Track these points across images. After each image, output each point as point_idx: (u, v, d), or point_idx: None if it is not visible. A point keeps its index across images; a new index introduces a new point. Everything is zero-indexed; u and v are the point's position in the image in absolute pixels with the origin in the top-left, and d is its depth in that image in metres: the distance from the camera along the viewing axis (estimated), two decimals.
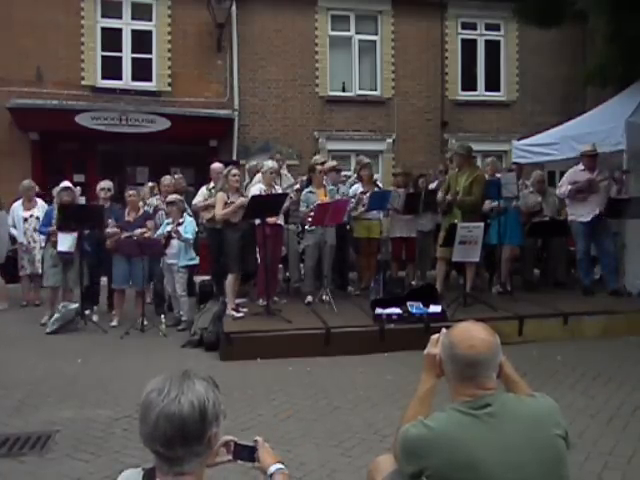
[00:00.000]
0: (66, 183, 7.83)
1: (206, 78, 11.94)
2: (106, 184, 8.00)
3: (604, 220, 7.88)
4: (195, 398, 1.46)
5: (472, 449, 1.79)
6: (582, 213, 7.88)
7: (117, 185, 8.69)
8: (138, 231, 7.42)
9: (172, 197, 7.58)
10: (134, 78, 11.73)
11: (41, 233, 7.91)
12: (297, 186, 8.10)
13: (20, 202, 8.67)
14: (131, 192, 7.79)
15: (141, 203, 8.14)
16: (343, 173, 9.59)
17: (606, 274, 8.14)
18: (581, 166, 7.96)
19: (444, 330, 2.09)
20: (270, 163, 7.59)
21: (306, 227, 7.69)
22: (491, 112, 13.24)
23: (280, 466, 1.85)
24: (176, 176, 8.93)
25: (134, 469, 1.62)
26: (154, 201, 8.30)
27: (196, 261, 7.62)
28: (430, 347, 2.14)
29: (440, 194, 7.64)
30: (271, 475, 1.84)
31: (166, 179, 8.41)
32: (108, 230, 7.47)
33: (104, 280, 8.03)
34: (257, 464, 1.87)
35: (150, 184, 8.93)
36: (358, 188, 8.46)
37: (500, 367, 2.01)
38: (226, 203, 6.93)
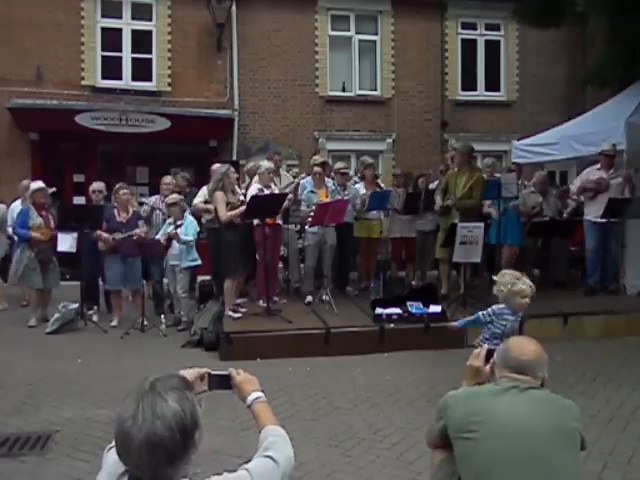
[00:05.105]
0: (39, 183, 7.81)
1: (206, 78, 11.93)
2: (97, 186, 7.97)
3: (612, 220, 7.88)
4: (172, 418, 1.37)
5: (489, 407, 2.01)
6: (592, 212, 7.91)
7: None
8: (132, 232, 7.34)
9: (173, 198, 7.54)
10: (134, 78, 11.71)
11: (16, 234, 7.78)
12: (300, 179, 8.11)
13: (19, 202, 8.65)
14: (122, 191, 7.61)
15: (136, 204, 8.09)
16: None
17: (606, 274, 8.13)
18: (598, 165, 7.98)
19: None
20: (267, 164, 7.58)
21: (306, 227, 7.68)
22: (491, 112, 13.21)
23: (258, 394, 1.87)
24: (179, 175, 8.80)
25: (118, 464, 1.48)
26: (152, 200, 8.27)
27: (199, 262, 7.54)
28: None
29: (438, 199, 7.66)
30: (249, 406, 1.86)
31: (166, 178, 8.36)
32: (101, 233, 7.35)
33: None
34: (235, 390, 1.89)
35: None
36: (360, 188, 8.45)
37: (542, 383, 2.20)
38: (227, 203, 6.92)
